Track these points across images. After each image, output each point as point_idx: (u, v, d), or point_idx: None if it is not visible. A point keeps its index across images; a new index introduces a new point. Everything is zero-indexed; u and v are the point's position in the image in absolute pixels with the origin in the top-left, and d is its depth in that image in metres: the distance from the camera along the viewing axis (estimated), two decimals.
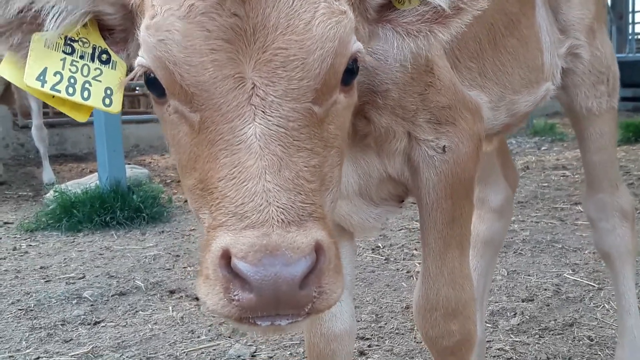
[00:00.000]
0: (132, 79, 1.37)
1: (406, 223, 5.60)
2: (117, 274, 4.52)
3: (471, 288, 1.86)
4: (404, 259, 4.65)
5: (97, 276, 4.50)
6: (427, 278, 1.83)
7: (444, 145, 1.73)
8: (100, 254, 5.04)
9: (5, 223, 6.13)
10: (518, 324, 3.48)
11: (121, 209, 5.75)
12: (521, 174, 7.80)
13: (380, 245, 5.02)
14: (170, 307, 3.90)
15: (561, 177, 7.56)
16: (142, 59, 1.25)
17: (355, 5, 1.35)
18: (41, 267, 4.72)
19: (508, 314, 3.62)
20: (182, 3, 1.18)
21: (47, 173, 8.33)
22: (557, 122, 12.63)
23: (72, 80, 1.40)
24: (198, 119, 1.21)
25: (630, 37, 17.00)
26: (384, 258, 4.72)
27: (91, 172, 7.76)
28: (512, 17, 2.11)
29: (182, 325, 3.64)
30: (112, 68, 1.43)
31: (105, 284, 4.33)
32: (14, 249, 5.26)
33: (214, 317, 3.72)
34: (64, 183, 6.76)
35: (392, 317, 3.63)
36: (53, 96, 1.40)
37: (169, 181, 7.48)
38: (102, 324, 3.70)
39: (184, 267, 4.64)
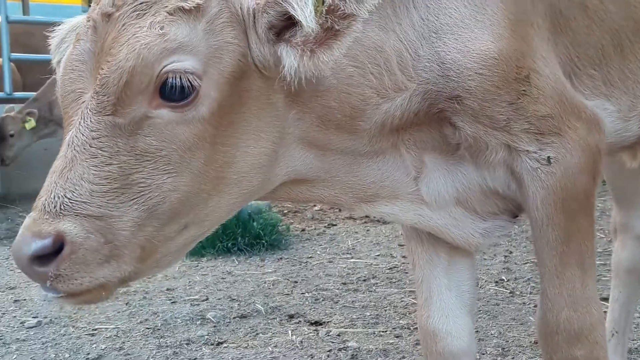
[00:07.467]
0: None
1: (532, 257, 5.33)
2: (239, 298, 4.62)
3: (599, 311, 1.73)
4: (530, 293, 4.41)
5: (219, 299, 4.61)
6: (545, 299, 1.74)
7: (549, 157, 1.67)
8: (223, 278, 5.17)
9: None
10: None
11: (242, 235, 5.88)
12: None
13: (504, 278, 4.80)
14: (289, 331, 3.91)
15: None
16: None
17: (250, 28, 1.49)
18: (167, 289, 4.90)
19: None
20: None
21: None
22: None
23: None
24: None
25: None
26: (508, 291, 4.50)
27: None
28: None
29: (302, 349, 3.63)
30: None
31: (227, 306, 4.43)
32: None
33: (333, 342, 3.69)
34: None
35: (519, 352, 3.43)
36: None
37: (286, 211, 7.61)
38: (225, 345, 3.77)
39: (302, 293, 4.66)
